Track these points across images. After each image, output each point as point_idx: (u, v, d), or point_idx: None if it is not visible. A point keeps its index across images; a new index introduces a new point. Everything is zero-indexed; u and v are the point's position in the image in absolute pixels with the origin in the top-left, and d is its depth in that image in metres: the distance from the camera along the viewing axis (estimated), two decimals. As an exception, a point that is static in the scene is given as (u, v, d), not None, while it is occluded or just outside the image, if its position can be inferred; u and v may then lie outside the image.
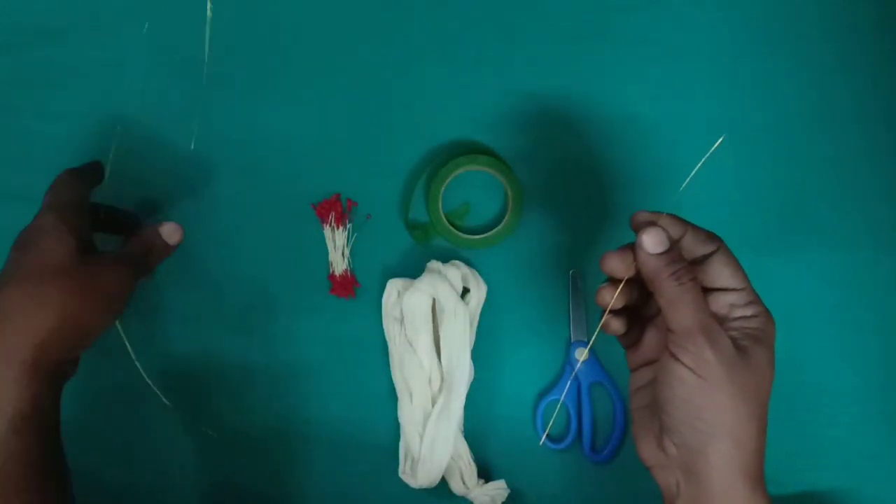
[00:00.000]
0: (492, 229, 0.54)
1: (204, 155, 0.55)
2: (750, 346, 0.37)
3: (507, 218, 0.54)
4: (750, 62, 0.55)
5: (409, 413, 0.52)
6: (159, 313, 0.55)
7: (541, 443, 0.53)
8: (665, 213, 0.39)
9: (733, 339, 0.37)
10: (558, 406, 0.53)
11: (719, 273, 0.39)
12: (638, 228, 0.39)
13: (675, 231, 0.39)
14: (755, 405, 0.37)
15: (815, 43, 0.56)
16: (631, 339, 0.43)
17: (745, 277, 0.39)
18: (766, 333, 0.38)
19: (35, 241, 0.43)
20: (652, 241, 0.38)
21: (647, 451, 0.40)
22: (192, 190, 0.55)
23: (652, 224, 0.38)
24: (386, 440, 0.54)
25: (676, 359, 0.37)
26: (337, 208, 0.54)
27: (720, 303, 0.39)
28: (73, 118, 0.56)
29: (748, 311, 0.38)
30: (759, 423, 0.37)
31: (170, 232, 0.49)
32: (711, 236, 0.40)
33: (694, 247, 0.40)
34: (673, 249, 0.38)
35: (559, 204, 0.55)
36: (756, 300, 0.39)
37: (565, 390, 0.53)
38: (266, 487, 0.54)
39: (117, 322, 0.53)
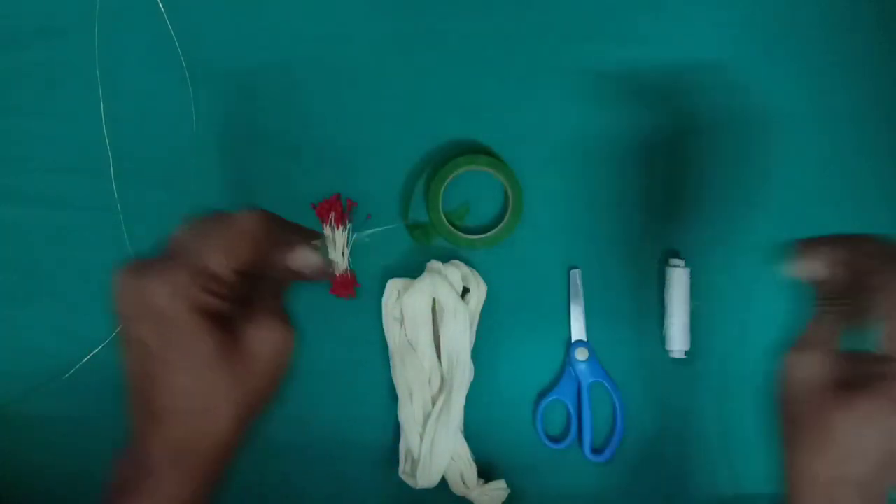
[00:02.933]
0: (492, 229, 0.54)
1: (204, 155, 0.55)
2: None
3: (507, 218, 0.54)
4: (750, 62, 0.55)
5: (409, 413, 0.52)
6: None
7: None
8: None
9: None
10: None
11: None
12: None
13: None
14: None
15: (815, 43, 0.56)
16: None
17: None
18: None
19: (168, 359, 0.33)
20: None
21: None
22: (192, 190, 0.55)
23: None
24: (386, 440, 0.54)
25: None
26: (337, 208, 0.54)
27: None
28: (73, 118, 0.56)
29: None
30: None
31: (302, 259, 0.37)
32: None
33: None
34: None
35: (559, 203, 0.55)
36: None
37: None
38: (266, 487, 0.54)
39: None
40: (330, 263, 0.38)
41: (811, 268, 0.37)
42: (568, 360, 0.54)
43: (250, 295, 0.36)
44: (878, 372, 0.34)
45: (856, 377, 0.34)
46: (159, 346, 0.33)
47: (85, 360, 0.54)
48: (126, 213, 0.55)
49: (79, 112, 0.55)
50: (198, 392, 0.33)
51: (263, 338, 0.35)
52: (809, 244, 0.38)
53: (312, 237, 0.38)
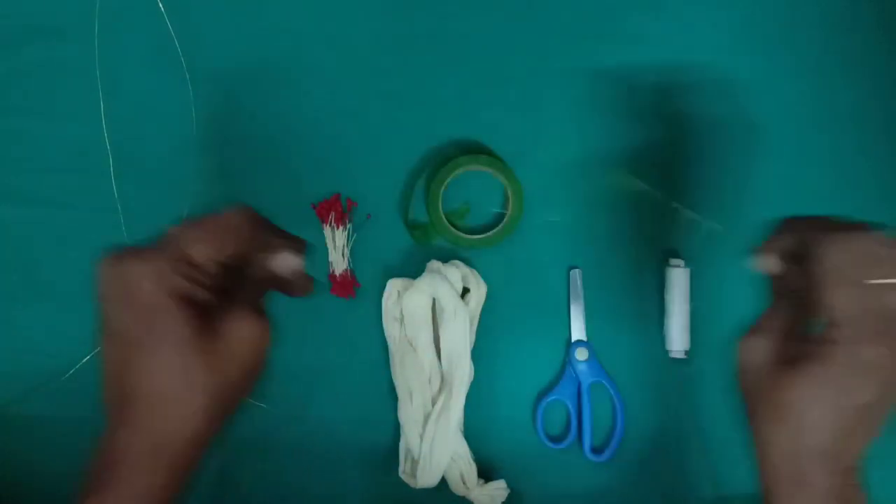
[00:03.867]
0: (492, 229, 0.54)
1: (204, 155, 0.55)
2: None
3: (506, 218, 0.54)
4: (750, 62, 0.55)
5: (409, 413, 0.52)
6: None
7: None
8: None
9: None
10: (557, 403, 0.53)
11: None
12: None
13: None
14: None
15: (815, 43, 0.56)
16: None
17: None
18: None
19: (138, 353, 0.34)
20: None
21: None
22: (192, 191, 0.55)
23: None
24: (386, 440, 0.54)
25: None
26: (337, 208, 0.54)
27: None
28: (73, 118, 0.56)
29: None
30: None
31: (283, 262, 0.38)
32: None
33: None
34: None
35: (559, 203, 0.55)
36: None
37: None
38: (266, 487, 0.54)
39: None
40: (310, 279, 0.39)
41: (766, 264, 0.38)
42: (568, 360, 0.54)
43: (232, 290, 0.36)
44: (823, 340, 0.34)
45: (803, 352, 0.35)
46: (136, 330, 0.33)
47: (85, 360, 0.54)
48: (126, 213, 0.55)
49: (79, 112, 0.55)
50: (171, 377, 0.33)
51: (240, 331, 0.35)
52: (766, 240, 0.39)
53: (299, 246, 0.39)
